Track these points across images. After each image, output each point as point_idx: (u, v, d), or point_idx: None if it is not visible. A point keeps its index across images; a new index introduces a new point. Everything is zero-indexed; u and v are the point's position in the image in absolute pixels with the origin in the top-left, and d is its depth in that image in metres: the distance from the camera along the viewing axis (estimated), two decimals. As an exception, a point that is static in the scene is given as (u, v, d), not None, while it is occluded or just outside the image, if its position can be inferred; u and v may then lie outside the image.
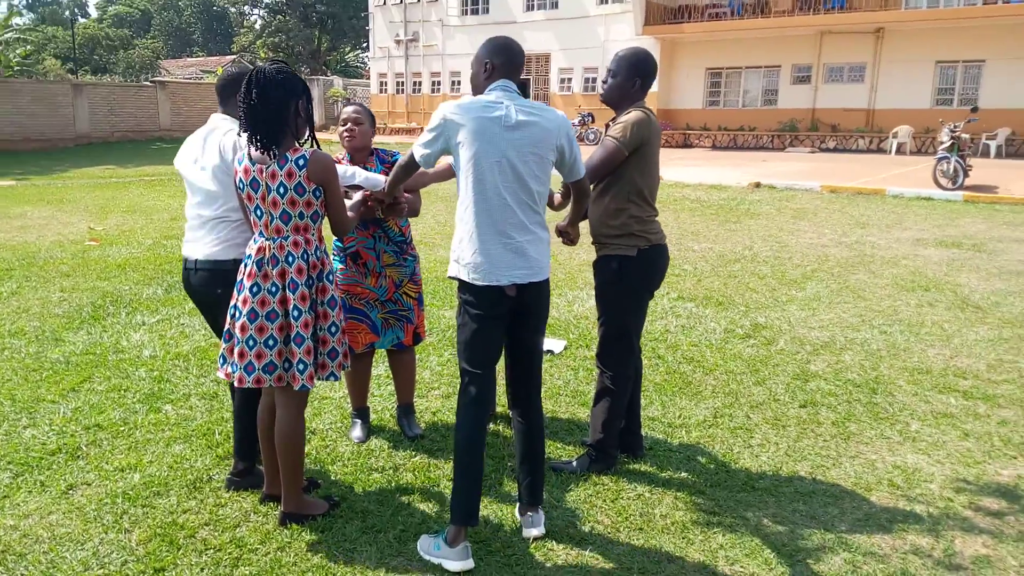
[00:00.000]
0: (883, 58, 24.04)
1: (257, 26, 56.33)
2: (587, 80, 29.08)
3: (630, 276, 3.44)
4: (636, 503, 3.33)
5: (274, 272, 2.88)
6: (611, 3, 27.87)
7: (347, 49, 60.24)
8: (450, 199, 12.19)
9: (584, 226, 3.52)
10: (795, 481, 3.53)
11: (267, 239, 2.90)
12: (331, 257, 3.41)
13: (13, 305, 6.28)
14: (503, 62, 2.91)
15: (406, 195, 3.45)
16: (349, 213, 3.13)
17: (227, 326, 2.99)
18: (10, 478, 3.45)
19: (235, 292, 2.97)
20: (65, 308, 6.19)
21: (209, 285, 3.18)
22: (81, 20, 68.75)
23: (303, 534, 3.01)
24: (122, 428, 3.95)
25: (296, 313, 2.89)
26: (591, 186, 3.32)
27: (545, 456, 3.19)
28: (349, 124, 3.63)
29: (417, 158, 2.98)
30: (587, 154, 3.29)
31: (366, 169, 3.51)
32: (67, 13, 74.40)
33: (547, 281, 3.00)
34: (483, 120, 2.79)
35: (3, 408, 4.20)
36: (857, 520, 3.22)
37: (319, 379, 3.03)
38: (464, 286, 2.92)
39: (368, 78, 39.27)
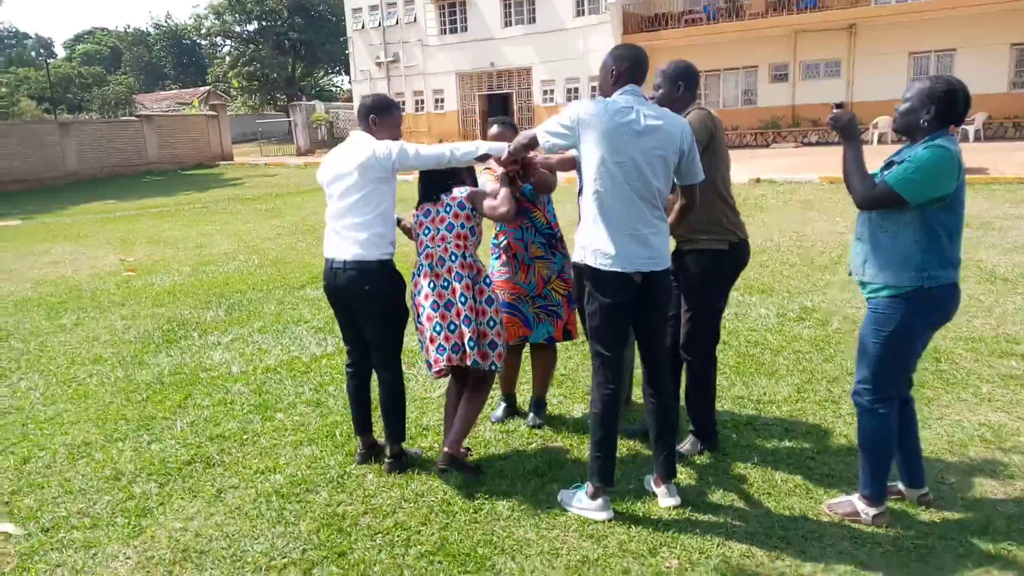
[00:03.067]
0: (858, 52, 24.67)
1: (230, 57, 56.32)
2: (569, 90, 29.46)
3: (724, 269, 3.66)
4: (755, 471, 3.55)
5: (443, 270, 3.52)
6: (588, 15, 28.33)
7: (321, 74, 60.41)
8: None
9: None
10: (894, 442, 3.76)
11: (433, 248, 3.54)
12: (489, 260, 3.98)
13: (80, 335, 6.39)
14: (628, 67, 3.14)
15: (542, 170, 3.71)
16: (502, 206, 3.47)
17: (421, 330, 3.52)
18: (157, 488, 3.60)
19: (415, 296, 3.54)
20: (134, 334, 6.31)
21: (356, 283, 3.46)
22: (50, 60, 68.28)
23: (459, 516, 3.20)
24: (244, 436, 4.11)
25: (463, 299, 3.46)
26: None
27: (676, 432, 3.41)
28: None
29: (541, 142, 3.21)
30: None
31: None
32: (34, 53, 73.96)
33: (669, 269, 3.22)
34: (614, 124, 3.03)
35: (120, 428, 4.33)
36: (963, 472, 3.46)
37: (485, 368, 3.45)
38: (592, 272, 3.13)
39: (349, 100, 39.45)
